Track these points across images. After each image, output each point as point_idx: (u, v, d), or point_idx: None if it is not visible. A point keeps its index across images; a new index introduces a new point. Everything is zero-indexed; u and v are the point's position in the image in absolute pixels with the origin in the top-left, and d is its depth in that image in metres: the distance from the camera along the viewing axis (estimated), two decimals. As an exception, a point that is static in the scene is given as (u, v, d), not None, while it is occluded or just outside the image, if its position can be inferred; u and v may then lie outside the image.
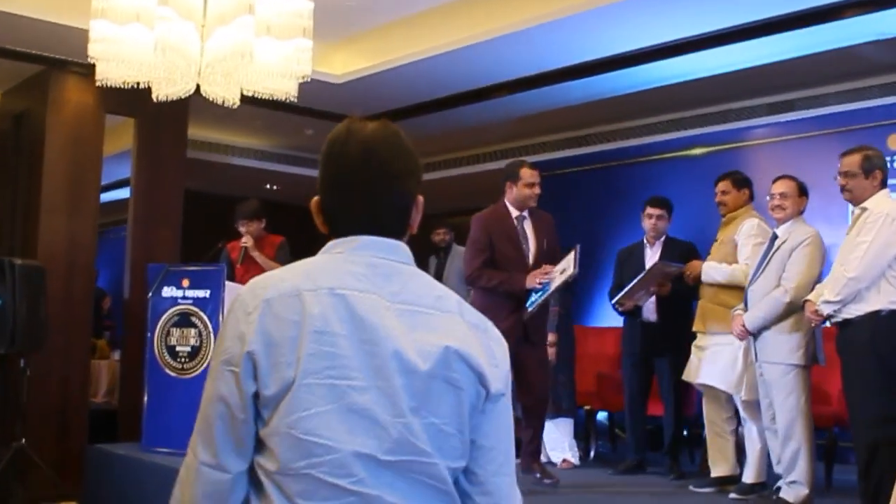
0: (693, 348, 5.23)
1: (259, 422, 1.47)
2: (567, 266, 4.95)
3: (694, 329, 5.23)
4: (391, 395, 1.46)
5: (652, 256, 5.79)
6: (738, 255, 5.05)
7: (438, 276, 7.15)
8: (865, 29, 5.96)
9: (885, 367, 4.04)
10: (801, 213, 4.82)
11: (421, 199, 1.63)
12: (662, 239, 5.84)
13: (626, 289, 5.39)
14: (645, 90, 7.48)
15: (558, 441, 6.09)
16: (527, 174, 5.11)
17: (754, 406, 4.92)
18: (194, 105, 6.67)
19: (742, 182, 5.29)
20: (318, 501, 1.42)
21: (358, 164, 1.58)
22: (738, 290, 4.98)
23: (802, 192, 4.84)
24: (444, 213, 9.00)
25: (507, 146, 9.74)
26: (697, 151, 8.08)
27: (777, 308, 4.59)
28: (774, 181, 4.90)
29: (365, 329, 1.47)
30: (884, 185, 4.28)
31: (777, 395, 4.61)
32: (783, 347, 4.63)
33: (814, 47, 6.36)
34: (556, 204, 7.21)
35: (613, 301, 5.53)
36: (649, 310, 5.67)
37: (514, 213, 5.24)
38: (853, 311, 4.15)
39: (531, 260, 5.18)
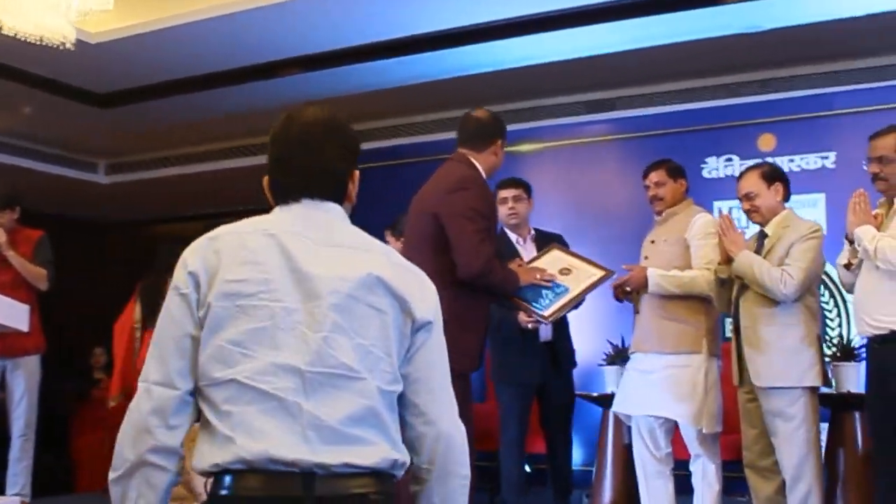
0: (630, 372, 4.38)
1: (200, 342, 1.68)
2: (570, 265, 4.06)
3: (635, 349, 4.37)
4: (315, 315, 1.67)
5: (527, 253, 4.78)
6: (695, 258, 4.23)
7: None
8: (736, 20, 5.73)
9: None
10: (785, 200, 4.16)
11: (357, 173, 1.88)
12: (533, 233, 4.92)
13: (559, 304, 4.07)
14: (454, 78, 6.74)
15: None
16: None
17: (711, 440, 4.19)
18: None
19: (678, 171, 4.47)
20: (242, 405, 1.61)
21: (296, 146, 1.82)
22: (691, 300, 4.19)
23: (772, 178, 4.13)
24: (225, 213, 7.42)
25: None
26: (525, 148, 7.22)
27: (769, 285, 3.90)
28: (739, 177, 4.23)
29: (294, 260, 1.70)
30: None
31: (782, 429, 3.92)
32: (792, 367, 3.92)
33: (676, 36, 5.98)
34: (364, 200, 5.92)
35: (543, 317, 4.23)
36: (546, 327, 4.65)
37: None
38: None
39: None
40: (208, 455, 1.63)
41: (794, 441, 3.91)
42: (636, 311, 4.37)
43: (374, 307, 1.70)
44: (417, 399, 1.75)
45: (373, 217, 7.30)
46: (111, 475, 1.70)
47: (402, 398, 1.75)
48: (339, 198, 1.84)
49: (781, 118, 6.19)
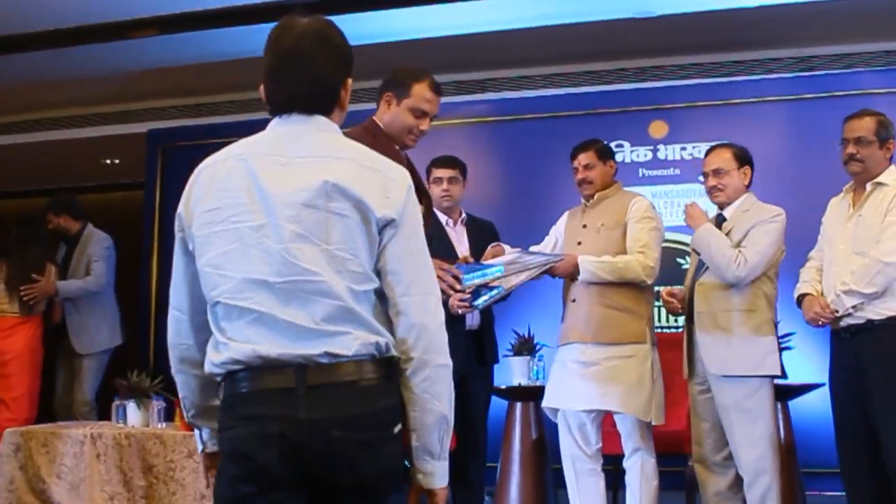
0: (565, 364, 4.06)
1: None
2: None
3: (570, 339, 4.07)
4: (278, 228, 1.78)
5: (458, 239, 4.48)
6: (630, 240, 4.02)
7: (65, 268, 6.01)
8: (627, 4, 5.66)
9: None
10: (747, 187, 3.99)
11: (349, 81, 1.95)
12: (464, 217, 4.57)
13: (496, 293, 3.90)
14: None
15: None
16: None
17: (650, 433, 4.01)
18: None
19: (607, 153, 4.25)
20: (232, 321, 1.80)
21: (289, 54, 1.88)
22: (631, 288, 3.97)
23: (743, 160, 3.97)
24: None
25: (109, 109, 7.79)
26: None
27: (724, 270, 3.78)
28: (706, 154, 4.08)
29: (259, 180, 1.81)
30: (892, 159, 3.72)
31: (739, 421, 3.77)
32: (750, 355, 3.77)
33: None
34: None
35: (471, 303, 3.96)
36: (474, 315, 4.30)
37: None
38: (883, 311, 3.50)
39: None
40: (210, 361, 1.84)
41: (752, 435, 3.76)
42: (570, 300, 4.09)
43: (335, 212, 1.79)
44: (390, 293, 1.84)
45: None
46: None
47: (381, 295, 1.85)
48: (330, 107, 1.92)
49: (674, 105, 6.16)
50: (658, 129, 6.16)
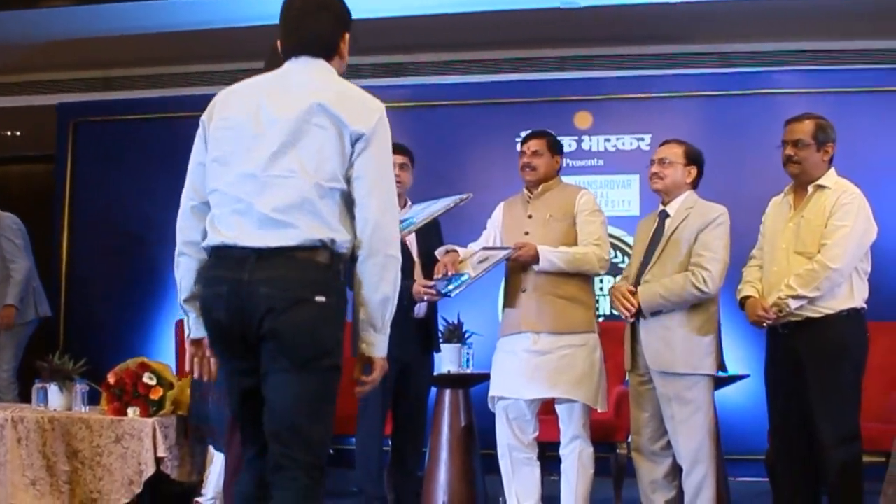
0: (515, 354, 4.10)
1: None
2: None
3: (521, 329, 4.10)
4: (270, 136, 2.30)
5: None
6: (583, 233, 4.11)
7: None
8: None
9: (858, 375, 3.66)
10: (692, 186, 4.07)
11: (347, 35, 2.49)
12: (410, 205, 4.50)
13: (463, 280, 3.97)
14: (229, 29, 6.33)
15: None
16: None
17: (589, 423, 4.11)
18: None
19: (558, 147, 4.31)
20: (223, 207, 2.31)
21: (296, 15, 2.46)
22: (580, 279, 4.06)
23: (693, 160, 4.05)
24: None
25: (14, 79, 7.50)
26: None
27: (687, 298, 3.84)
28: (661, 145, 4.13)
29: (264, 103, 2.34)
30: (831, 162, 3.79)
31: (679, 413, 3.86)
32: (691, 354, 3.87)
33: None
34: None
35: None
36: (421, 304, 4.34)
37: None
38: (821, 309, 3.65)
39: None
40: (206, 239, 2.35)
41: (691, 426, 3.84)
42: (521, 290, 4.12)
43: (318, 125, 2.28)
44: (356, 194, 2.30)
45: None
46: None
47: (349, 199, 2.31)
48: (330, 54, 2.45)
49: (599, 97, 6.21)
50: (583, 119, 6.21)
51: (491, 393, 4.15)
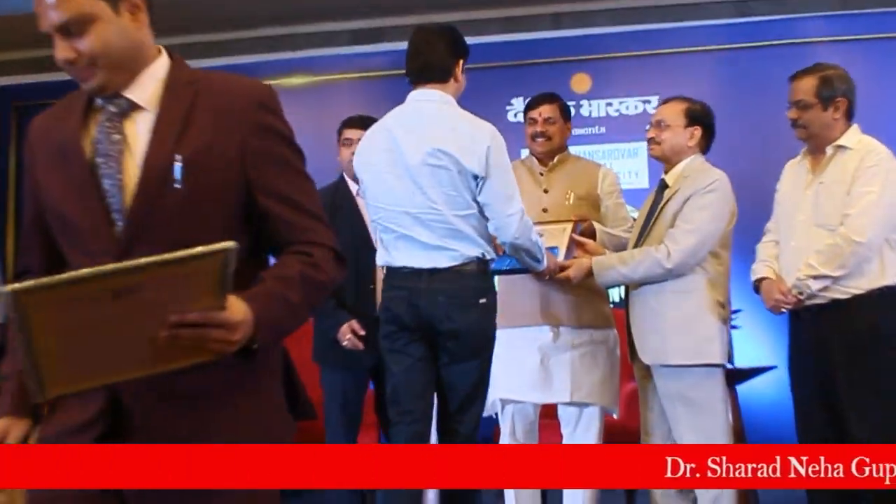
0: (535, 350, 3.78)
1: None
2: None
3: (542, 320, 3.78)
4: (410, 178, 2.99)
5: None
6: (615, 219, 3.92)
7: None
8: None
9: (894, 363, 3.32)
10: (700, 150, 3.67)
11: (462, 61, 3.14)
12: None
13: (508, 265, 3.67)
14: None
15: None
16: None
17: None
18: None
19: (569, 112, 4.06)
20: (387, 235, 3.11)
21: (417, 45, 3.14)
22: None
23: (695, 119, 3.65)
24: None
25: None
26: (292, 81, 6.37)
27: (649, 274, 3.51)
28: (662, 102, 3.84)
29: (396, 144, 3.03)
30: (850, 117, 3.43)
31: (684, 414, 3.51)
32: (686, 342, 3.50)
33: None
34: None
35: None
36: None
37: None
38: (849, 289, 3.33)
39: None
40: (383, 260, 3.21)
41: (698, 431, 3.46)
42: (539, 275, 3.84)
43: (440, 167, 2.99)
44: (487, 214, 3.07)
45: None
46: None
47: (483, 215, 3.08)
48: (446, 78, 3.09)
49: (598, 56, 5.84)
50: (580, 82, 5.87)
51: (496, 395, 3.72)
